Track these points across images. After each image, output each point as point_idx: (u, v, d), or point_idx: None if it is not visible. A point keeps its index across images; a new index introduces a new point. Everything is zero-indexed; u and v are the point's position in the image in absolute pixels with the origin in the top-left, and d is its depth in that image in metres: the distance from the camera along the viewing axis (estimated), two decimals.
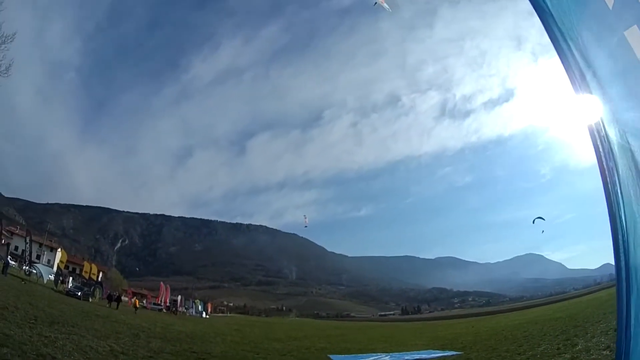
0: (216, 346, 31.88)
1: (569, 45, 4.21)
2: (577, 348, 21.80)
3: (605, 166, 4.03)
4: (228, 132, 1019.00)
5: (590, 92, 4.11)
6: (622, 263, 3.81)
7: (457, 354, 29.19)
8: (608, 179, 4.00)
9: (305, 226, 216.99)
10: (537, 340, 29.07)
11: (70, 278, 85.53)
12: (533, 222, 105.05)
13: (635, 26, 3.87)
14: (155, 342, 28.29)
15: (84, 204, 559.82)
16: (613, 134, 4.03)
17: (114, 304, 68.20)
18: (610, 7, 3.97)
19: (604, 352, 18.99)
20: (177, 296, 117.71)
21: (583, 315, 38.71)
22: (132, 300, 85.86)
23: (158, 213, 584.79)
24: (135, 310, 68.64)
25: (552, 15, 4.30)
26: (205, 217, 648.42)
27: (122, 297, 76.63)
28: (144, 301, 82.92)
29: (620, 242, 3.84)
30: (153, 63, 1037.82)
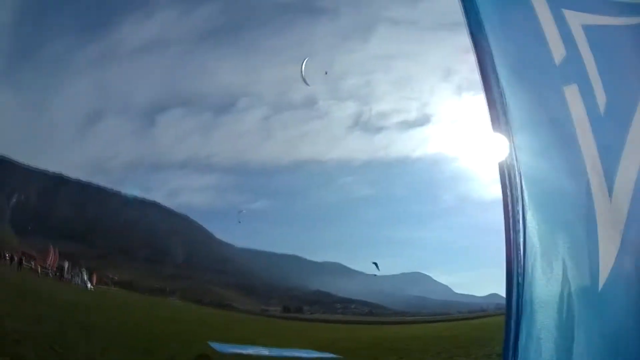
0: (98, 319, 31.46)
1: (499, 86, 4.33)
2: None
3: (509, 198, 4.16)
4: (142, 103, 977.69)
5: (511, 133, 4.25)
6: (515, 296, 3.98)
7: (336, 358, 29.53)
8: (510, 211, 4.12)
9: (239, 221, 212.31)
10: (419, 355, 29.54)
11: None
12: (376, 266, 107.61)
13: (576, 85, 4.13)
14: (40, 308, 27.91)
15: None
16: (523, 172, 4.17)
17: (16, 265, 66.92)
18: (557, 64, 4.23)
19: None
20: (65, 262, 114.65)
21: (467, 338, 39.47)
22: (33, 263, 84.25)
23: (57, 172, 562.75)
24: (38, 275, 67.45)
25: (492, 56, 4.41)
26: (103, 185, 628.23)
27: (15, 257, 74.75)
28: (32, 263, 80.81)
29: (515, 275, 4.00)
30: (86, 17, 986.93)
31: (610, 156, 4.02)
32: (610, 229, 3.94)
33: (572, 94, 4.18)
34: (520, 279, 4.01)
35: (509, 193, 4.16)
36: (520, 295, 4.00)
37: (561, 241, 4.04)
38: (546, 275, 4.00)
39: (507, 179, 4.19)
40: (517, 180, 4.17)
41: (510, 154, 4.24)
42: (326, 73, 65.08)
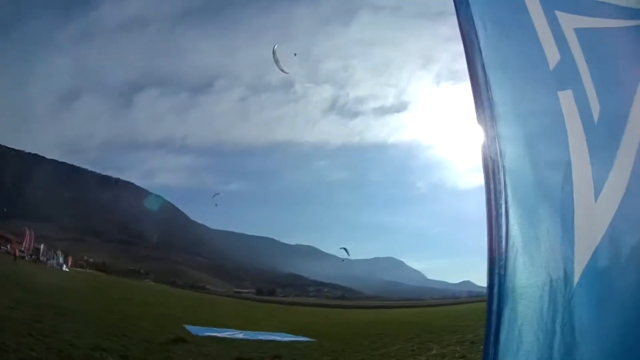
0: (74, 302, 31.37)
1: (487, 81, 4.27)
2: (432, 352, 22.48)
3: (492, 190, 4.08)
4: (119, 82, 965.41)
5: (495, 126, 4.20)
6: (496, 288, 3.96)
7: (310, 341, 29.61)
8: (493, 202, 4.06)
9: (216, 205, 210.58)
10: (391, 340, 29.55)
11: None
12: (345, 251, 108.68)
13: (571, 91, 4.17)
14: (18, 292, 27.85)
15: None
16: (507, 166, 4.13)
17: None
18: (551, 68, 4.25)
19: None
20: (40, 245, 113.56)
21: (439, 324, 39.49)
22: (9, 246, 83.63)
23: (32, 152, 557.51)
24: (15, 259, 67.26)
25: (480, 52, 4.33)
26: (78, 164, 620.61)
27: None
28: (8, 246, 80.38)
29: (497, 267, 3.97)
30: None
31: (601, 161, 4.10)
32: (591, 228, 4.02)
33: (566, 99, 4.22)
34: (502, 271, 3.97)
35: (492, 186, 4.10)
36: (501, 287, 3.97)
37: (542, 235, 4.08)
38: (527, 268, 4.02)
39: (491, 171, 4.13)
40: (501, 173, 4.12)
41: (494, 147, 4.19)
42: (295, 54, 64.61)
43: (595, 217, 4.04)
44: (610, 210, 4.02)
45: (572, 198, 4.06)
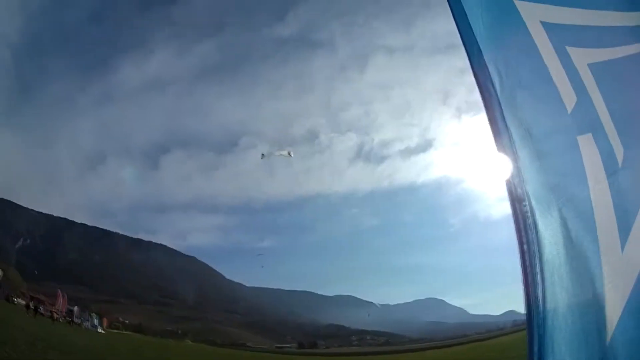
0: None
1: (508, 130, 4.31)
2: None
3: (521, 222, 4.11)
4: (144, 144, 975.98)
5: (518, 162, 4.26)
6: (534, 312, 3.95)
7: None
8: (523, 233, 4.08)
9: (262, 266, 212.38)
10: None
11: None
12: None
13: (590, 134, 4.16)
14: (52, 354, 27.58)
15: None
16: (532, 193, 4.16)
17: (32, 311, 68.31)
18: (569, 111, 4.22)
19: None
20: (74, 306, 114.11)
21: (485, 359, 39.12)
22: (42, 307, 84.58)
23: (61, 216, 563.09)
24: (53, 321, 68.27)
25: (498, 100, 4.39)
26: (108, 228, 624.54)
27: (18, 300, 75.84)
28: (41, 307, 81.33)
29: (532, 293, 3.97)
30: (86, 58, 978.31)
31: (627, 208, 4.13)
32: (620, 281, 4.02)
33: (586, 144, 4.25)
34: (540, 321, 3.98)
35: (519, 213, 4.11)
36: (541, 312, 3.97)
37: (574, 291, 4.06)
38: (567, 324, 4.02)
39: (515, 198, 4.16)
40: (531, 229, 4.09)
41: (521, 191, 4.16)
42: (262, 156, 70.98)
43: (623, 272, 4.05)
44: (636, 264, 4.05)
45: (599, 252, 4.09)
